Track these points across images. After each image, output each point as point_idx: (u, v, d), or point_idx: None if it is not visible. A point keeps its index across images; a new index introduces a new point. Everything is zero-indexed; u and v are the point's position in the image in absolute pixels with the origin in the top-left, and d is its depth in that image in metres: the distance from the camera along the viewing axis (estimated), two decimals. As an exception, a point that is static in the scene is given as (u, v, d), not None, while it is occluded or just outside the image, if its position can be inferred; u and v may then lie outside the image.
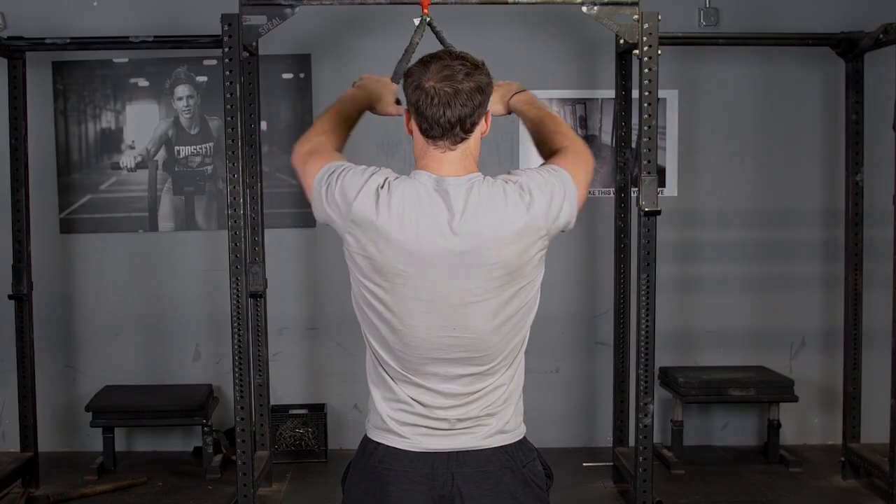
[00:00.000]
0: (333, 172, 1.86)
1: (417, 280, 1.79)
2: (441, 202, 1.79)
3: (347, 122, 2.08)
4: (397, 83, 2.25)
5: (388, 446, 1.88)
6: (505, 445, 1.89)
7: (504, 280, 1.80)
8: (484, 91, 1.82)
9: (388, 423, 1.88)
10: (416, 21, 2.60)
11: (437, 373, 1.85)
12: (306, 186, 1.93)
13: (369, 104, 2.15)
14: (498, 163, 4.72)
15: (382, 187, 1.80)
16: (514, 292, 1.83)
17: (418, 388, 1.86)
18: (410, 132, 1.89)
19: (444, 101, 1.78)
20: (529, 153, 4.85)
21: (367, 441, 1.93)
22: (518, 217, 1.78)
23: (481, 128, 1.87)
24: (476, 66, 1.81)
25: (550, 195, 1.82)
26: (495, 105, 2.14)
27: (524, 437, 1.94)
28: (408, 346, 1.84)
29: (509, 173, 1.87)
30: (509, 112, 2.19)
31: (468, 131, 1.83)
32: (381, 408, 1.89)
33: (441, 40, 2.56)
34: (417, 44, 2.51)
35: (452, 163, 1.84)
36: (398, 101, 2.20)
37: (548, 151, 2.02)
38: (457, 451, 1.86)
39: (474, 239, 1.77)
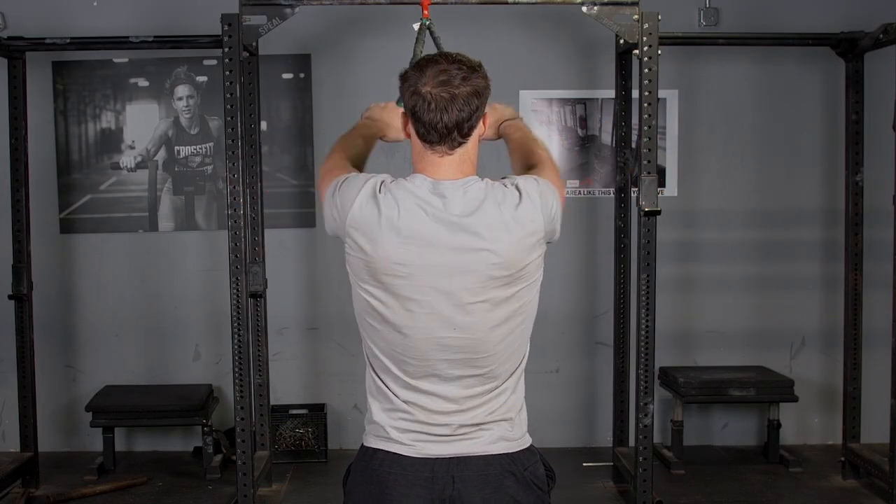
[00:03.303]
0: (337, 185, 1.87)
1: (416, 282, 1.79)
2: (439, 203, 1.79)
3: (361, 151, 2.08)
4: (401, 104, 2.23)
5: (388, 451, 1.86)
6: (508, 452, 1.87)
7: (502, 281, 1.80)
8: (481, 95, 1.81)
9: (390, 432, 1.86)
10: (416, 27, 2.58)
11: (439, 375, 1.84)
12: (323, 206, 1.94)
13: (380, 133, 2.16)
14: (497, 162, 4.65)
15: (379, 191, 1.80)
16: (513, 293, 1.82)
17: (419, 392, 1.85)
18: (408, 136, 1.89)
19: (441, 107, 1.77)
20: (529, 153, 4.85)
21: (365, 448, 1.91)
22: (515, 219, 1.78)
23: (479, 131, 1.86)
24: (473, 70, 1.80)
25: (545, 200, 1.84)
26: (488, 130, 2.12)
27: (530, 446, 1.92)
28: (409, 349, 1.83)
29: (505, 177, 1.88)
30: (498, 137, 2.21)
31: (466, 135, 1.82)
32: (381, 419, 1.87)
33: (438, 47, 2.55)
34: (420, 54, 2.49)
35: (450, 167, 1.83)
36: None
37: (524, 166, 2.03)
38: (458, 457, 1.85)
39: (471, 240, 1.77)
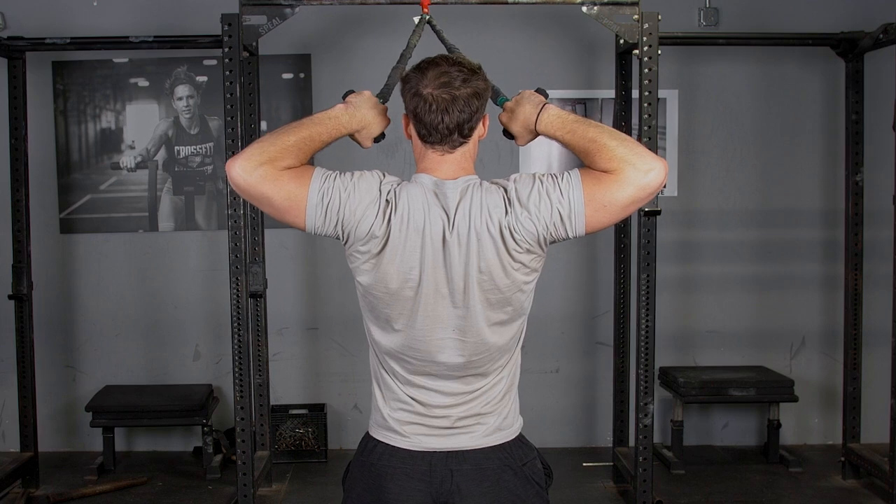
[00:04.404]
0: (336, 185, 1.79)
1: (422, 285, 1.81)
2: (440, 206, 1.81)
3: (315, 149, 1.84)
4: (387, 100, 2.03)
5: (387, 444, 1.90)
6: (503, 443, 1.91)
7: (490, 285, 1.82)
8: (481, 96, 1.82)
9: (390, 422, 1.90)
10: (416, 20, 2.58)
11: (440, 373, 1.87)
12: (291, 203, 1.78)
13: (352, 131, 1.90)
14: (498, 162, 4.72)
15: (390, 194, 1.81)
16: (505, 297, 1.84)
17: (420, 388, 1.88)
18: (409, 137, 1.90)
19: (442, 108, 1.79)
20: (530, 153, 4.85)
21: (367, 438, 1.95)
22: (502, 224, 1.79)
23: (479, 132, 1.88)
24: (473, 72, 1.82)
25: (532, 206, 1.78)
26: (523, 136, 1.94)
27: (521, 434, 1.96)
28: (411, 349, 1.86)
29: (500, 182, 1.84)
30: (536, 136, 1.93)
31: (466, 136, 1.84)
32: (383, 407, 1.91)
33: (442, 40, 2.55)
34: (415, 46, 2.48)
35: (451, 165, 1.86)
36: (380, 138, 1.97)
37: (599, 170, 1.82)
38: (456, 451, 1.88)
39: (467, 242, 1.79)
